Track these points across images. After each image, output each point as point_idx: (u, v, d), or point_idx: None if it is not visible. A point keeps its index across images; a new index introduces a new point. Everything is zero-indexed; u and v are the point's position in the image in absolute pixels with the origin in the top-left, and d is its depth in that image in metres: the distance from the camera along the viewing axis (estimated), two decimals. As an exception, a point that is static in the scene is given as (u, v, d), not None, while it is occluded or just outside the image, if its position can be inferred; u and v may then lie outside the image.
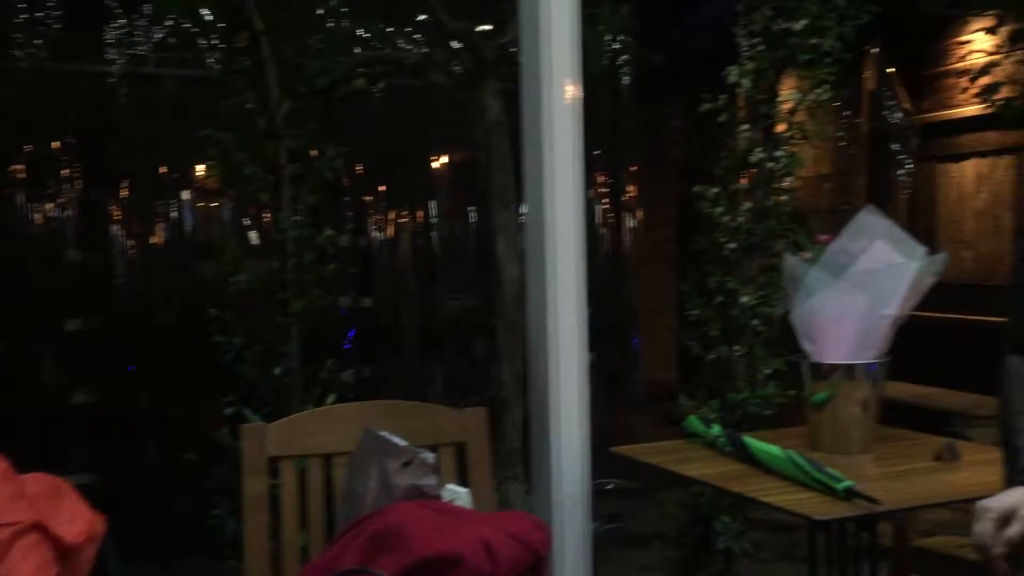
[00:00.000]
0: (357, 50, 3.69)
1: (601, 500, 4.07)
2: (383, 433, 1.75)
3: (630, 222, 6.02)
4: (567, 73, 2.39)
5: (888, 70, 5.49)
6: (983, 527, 1.27)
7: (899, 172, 5.64)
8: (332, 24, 3.44)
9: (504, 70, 3.06)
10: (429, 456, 1.72)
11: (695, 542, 2.92)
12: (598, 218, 5.77)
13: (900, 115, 5.49)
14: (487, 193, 3.29)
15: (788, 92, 2.96)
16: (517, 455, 3.20)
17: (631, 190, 6.07)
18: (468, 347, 4.99)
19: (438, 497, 1.71)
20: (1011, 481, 1.32)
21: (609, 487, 4.48)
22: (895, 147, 5.55)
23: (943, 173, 5.43)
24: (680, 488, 3.05)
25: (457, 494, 1.79)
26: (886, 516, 2.06)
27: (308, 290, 2.75)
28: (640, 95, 5.70)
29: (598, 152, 5.53)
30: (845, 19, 2.79)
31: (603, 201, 5.80)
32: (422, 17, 3.72)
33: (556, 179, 2.40)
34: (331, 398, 2.62)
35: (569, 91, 2.39)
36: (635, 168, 6.04)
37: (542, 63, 2.37)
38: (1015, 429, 1.35)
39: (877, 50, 5.46)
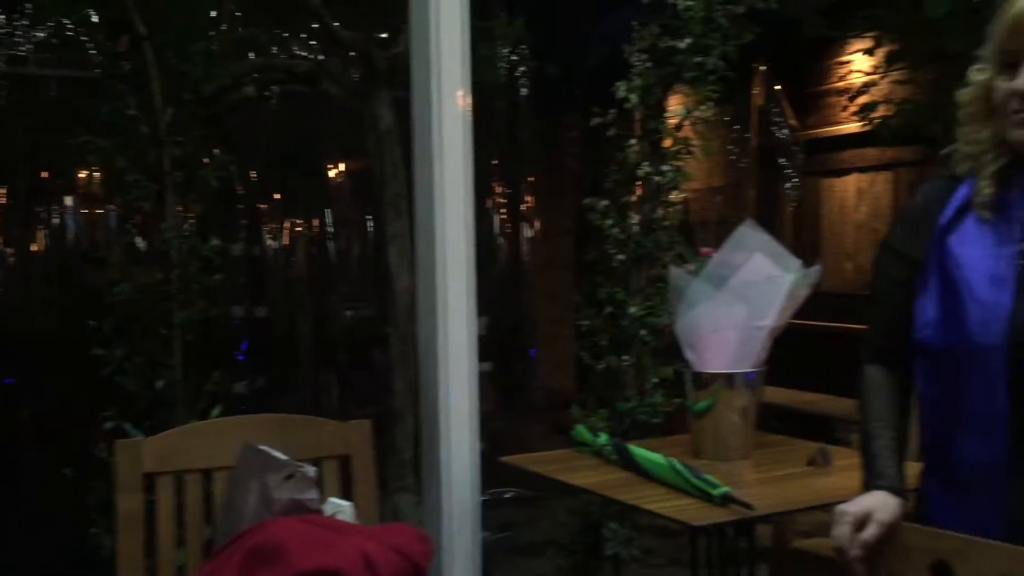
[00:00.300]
0: (252, 56, 3.63)
1: (499, 509, 4.10)
2: (263, 447, 1.72)
3: (529, 232, 6.08)
4: (458, 82, 2.40)
5: (775, 87, 5.69)
6: (840, 531, 1.32)
7: (786, 185, 5.85)
8: (224, 28, 3.38)
9: (398, 79, 3.06)
10: (310, 470, 1.71)
11: (585, 549, 2.96)
12: (497, 228, 5.80)
13: (787, 131, 5.70)
14: (382, 202, 3.28)
15: (676, 108, 3.04)
16: (409, 466, 3.19)
17: (530, 200, 6.13)
18: (364, 357, 4.95)
19: (319, 511, 1.69)
20: (868, 485, 1.38)
21: (508, 496, 4.50)
22: (782, 161, 5.75)
23: (827, 187, 5.66)
24: (573, 496, 3.09)
25: (340, 508, 1.77)
26: (763, 520, 2.13)
27: (193, 301, 2.68)
28: (539, 107, 5.77)
29: (496, 162, 5.57)
30: (728, 38, 2.88)
31: (502, 211, 5.84)
32: (317, 25, 3.68)
33: (446, 188, 2.40)
34: (216, 411, 2.57)
35: (460, 100, 2.40)
36: (534, 179, 6.11)
37: (432, 72, 2.38)
38: (871, 435, 1.42)
39: (765, 68, 5.65)
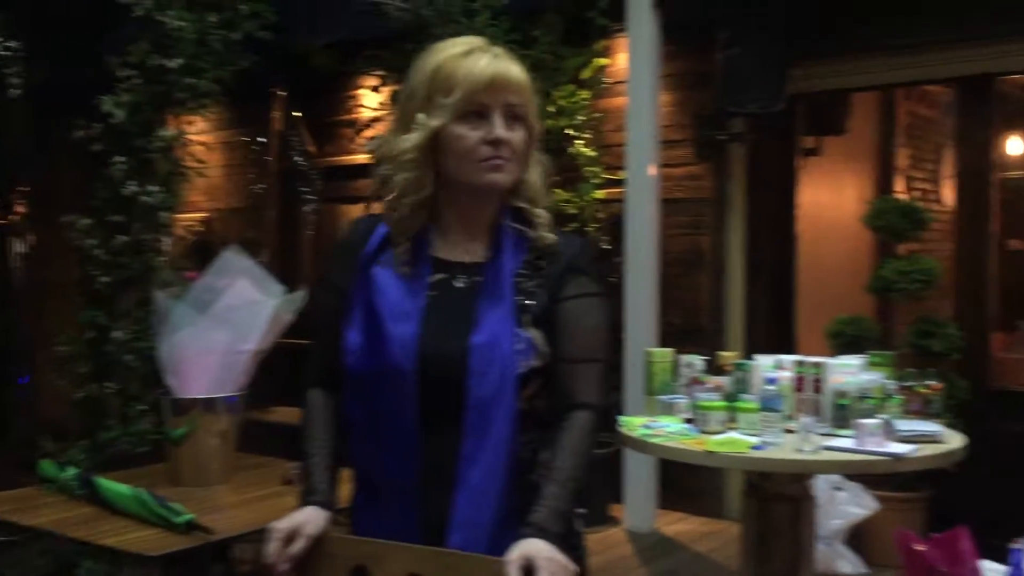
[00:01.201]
0: None
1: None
2: None
3: (23, 247, 5.50)
4: None
5: (295, 114, 5.81)
6: (270, 547, 1.39)
7: (306, 209, 5.99)
8: None
9: None
10: None
11: (59, 593, 2.74)
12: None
13: (305, 157, 5.85)
14: None
15: (171, 129, 2.97)
16: None
17: (26, 212, 5.55)
18: None
19: None
20: (302, 501, 1.46)
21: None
22: (301, 187, 5.88)
23: (342, 213, 5.91)
24: (47, 538, 2.85)
25: None
26: (235, 541, 2.15)
27: None
28: (38, 113, 5.24)
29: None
30: (224, 63, 2.89)
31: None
32: None
33: None
34: None
35: None
36: (30, 189, 5.54)
37: None
38: (308, 455, 1.50)
39: (284, 94, 5.75)
